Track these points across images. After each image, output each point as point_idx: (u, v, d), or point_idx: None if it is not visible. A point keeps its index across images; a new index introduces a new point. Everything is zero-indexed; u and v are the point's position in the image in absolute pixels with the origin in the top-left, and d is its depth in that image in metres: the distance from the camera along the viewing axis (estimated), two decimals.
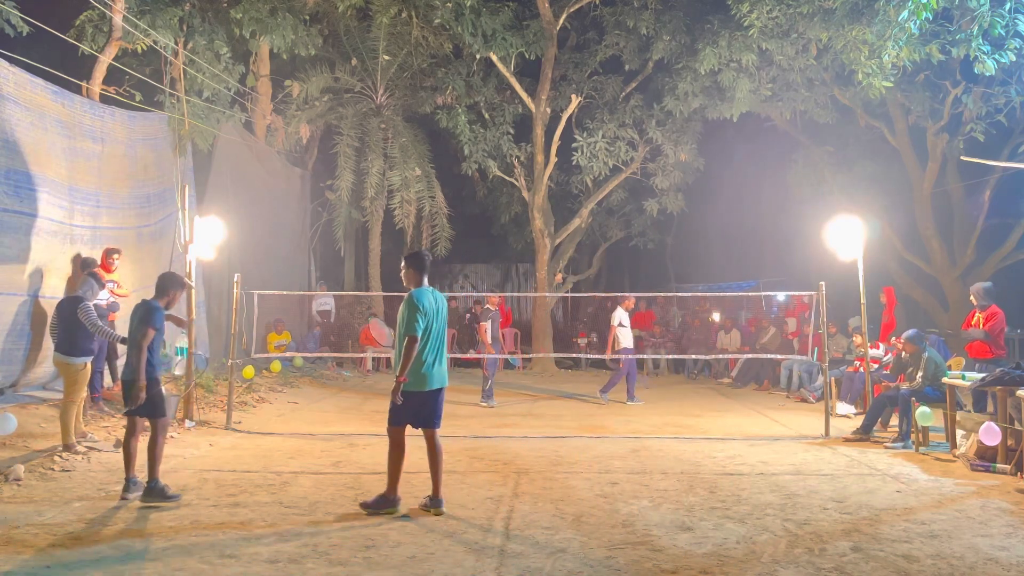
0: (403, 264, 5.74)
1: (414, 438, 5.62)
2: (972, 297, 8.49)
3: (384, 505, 5.45)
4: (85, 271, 8.31)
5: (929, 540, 4.86)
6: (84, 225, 9.09)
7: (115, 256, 8.80)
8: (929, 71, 12.08)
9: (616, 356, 11.62)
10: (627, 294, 12.42)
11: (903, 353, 8.76)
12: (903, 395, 8.21)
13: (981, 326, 8.26)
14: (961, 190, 14.71)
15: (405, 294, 5.58)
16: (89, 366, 7.49)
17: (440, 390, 5.63)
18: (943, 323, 13.91)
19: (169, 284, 6.14)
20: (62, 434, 7.12)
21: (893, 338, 10.75)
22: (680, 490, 6.13)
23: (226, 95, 12.58)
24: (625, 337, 11.45)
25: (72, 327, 7.27)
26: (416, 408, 5.54)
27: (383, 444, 8.01)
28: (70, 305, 7.46)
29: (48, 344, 8.36)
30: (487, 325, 11.36)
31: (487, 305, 11.75)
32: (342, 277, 19.25)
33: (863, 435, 8.34)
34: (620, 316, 11.48)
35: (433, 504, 5.47)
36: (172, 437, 8.03)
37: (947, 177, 14.51)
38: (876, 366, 10.16)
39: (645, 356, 15.70)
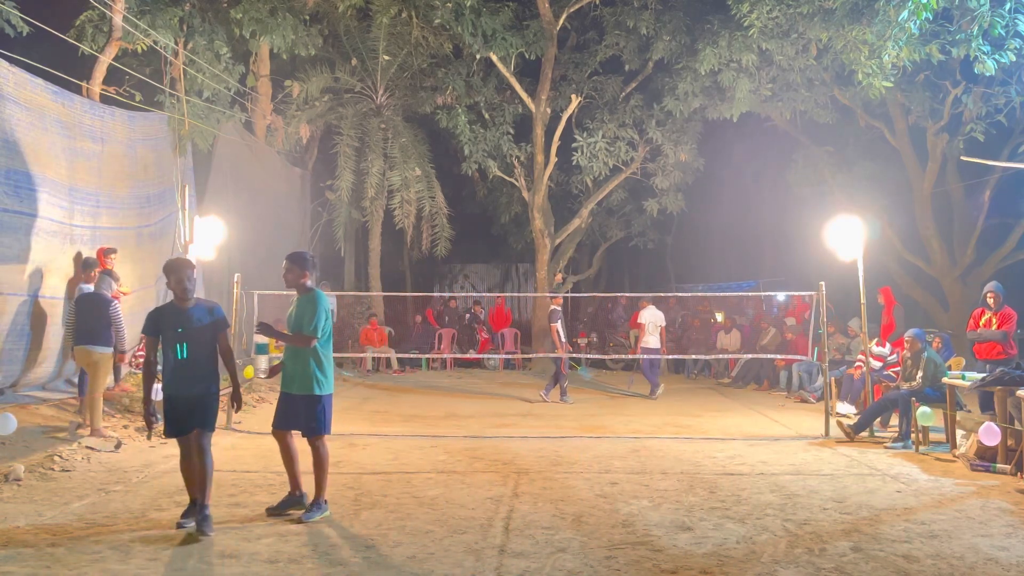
0: (292, 264, 5.46)
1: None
2: (990, 298, 8.28)
3: (291, 504, 5.44)
4: (88, 270, 8.34)
5: (929, 540, 4.86)
6: (84, 225, 9.09)
7: (112, 256, 8.82)
8: (929, 71, 12.08)
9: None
10: (644, 295, 13.38)
11: (907, 352, 8.72)
12: (903, 395, 8.21)
13: (994, 327, 8.16)
14: (961, 190, 14.72)
15: (307, 294, 5.51)
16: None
17: None
18: (943, 323, 13.91)
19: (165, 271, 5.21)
20: (92, 420, 7.56)
21: (893, 339, 10.74)
22: (680, 490, 6.13)
23: (226, 95, 12.59)
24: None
25: (93, 320, 7.65)
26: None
27: (383, 444, 8.06)
28: (94, 301, 7.80)
29: (48, 344, 8.40)
30: (557, 326, 11.69)
31: (553, 306, 12.04)
32: (342, 277, 19.26)
33: (854, 432, 8.28)
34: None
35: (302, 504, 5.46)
36: None
37: (947, 177, 14.51)
38: (880, 364, 10.14)
39: (644, 356, 15.67)
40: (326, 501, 5.42)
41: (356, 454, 7.54)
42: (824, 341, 9.46)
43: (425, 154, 17.13)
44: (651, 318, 12.30)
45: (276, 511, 5.37)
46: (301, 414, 5.41)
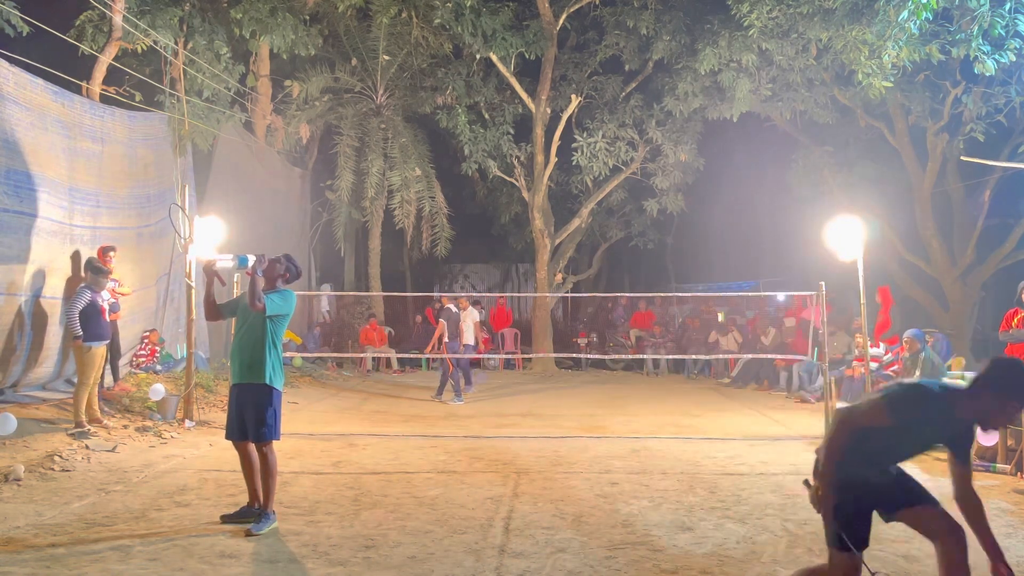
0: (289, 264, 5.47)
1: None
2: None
3: (248, 515, 5.21)
4: (87, 270, 8.35)
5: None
6: (84, 225, 9.09)
7: (111, 254, 8.81)
8: (929, 71, 12.06)
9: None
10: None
11: (906, 352, 8.72)
12: None
13: None
14: (961, 190, 14.71)
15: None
16: (96, 350, 7.85)
17: None
18: (943, 323, 13.90)
19: None
20: (74, 412, 7.71)
21: (885, 337, 10.75)
22: (680, 490, 6.13)
23: (226, 95, 12.58)
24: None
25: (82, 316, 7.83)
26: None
27: (383, 444, 8.06)
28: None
29: (48, 344, 8.46)
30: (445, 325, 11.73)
31: (448, 305, 12.07)
32: (342, 277, 19.26)
33: None
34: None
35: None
36: (173, 437, 8.05)
37: (947, 177, 14.50)
38: (876, 365, 10.14)
39: (645, 356, 15.72)
40: (274, 511, 5.18)
41: (356, 454, 7.54)
42: (825, 341, 9.46)
43: (425, 154, 17.14)
44: (476, 316, 12.46)
45: (231, 519, 5.19)
46: (251, 414, 5.22)
